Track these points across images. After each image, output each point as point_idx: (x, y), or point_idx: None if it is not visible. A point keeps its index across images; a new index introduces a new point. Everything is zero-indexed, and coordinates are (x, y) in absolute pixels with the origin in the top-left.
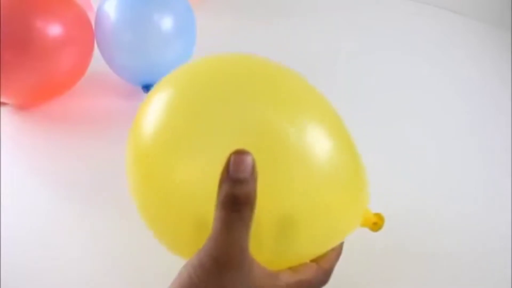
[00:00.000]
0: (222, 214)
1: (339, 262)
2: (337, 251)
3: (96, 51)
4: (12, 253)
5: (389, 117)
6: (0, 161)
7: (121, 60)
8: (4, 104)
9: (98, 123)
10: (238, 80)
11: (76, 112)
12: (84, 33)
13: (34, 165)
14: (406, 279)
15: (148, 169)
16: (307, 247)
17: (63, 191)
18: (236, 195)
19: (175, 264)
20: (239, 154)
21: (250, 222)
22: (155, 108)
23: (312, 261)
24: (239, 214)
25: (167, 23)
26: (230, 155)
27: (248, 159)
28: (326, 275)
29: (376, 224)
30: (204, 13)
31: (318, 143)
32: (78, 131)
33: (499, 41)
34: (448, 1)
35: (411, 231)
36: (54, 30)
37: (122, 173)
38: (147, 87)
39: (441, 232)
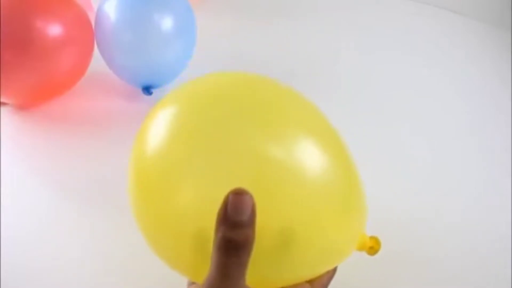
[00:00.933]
0: (219, 259)
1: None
2: (330, 272)
3: (96, 51)
4: (12, 253)
5: (389, 117)
6: (0, 161)
7: (121, 60)
8: (4, 104)
9: (98, 124)
10: (240, 104)
11: (76, 112)
12: (84, 33)
13: (34, 165)
14: (406, 280)
15: (149, 190)
16: (301, 270)
17: (63, 191)
18: (235, 240)
19: None
20: (238, 194)
21: (248, 263)
22: (158, 128)
23: (305, 282)
24: (238, 259)
25: (167, 23)
26: (228, 194)
27: (248, 200)
28: None
29: (372, 248)
30: (204, 13)
31: (315, 168)
32: (78, 131)
33: (499, 41)
34: (448, 1)
35: (411, 231)
36: (54, 30)
37: (121, 173)
38: (147, 89)
39: (441, 232)
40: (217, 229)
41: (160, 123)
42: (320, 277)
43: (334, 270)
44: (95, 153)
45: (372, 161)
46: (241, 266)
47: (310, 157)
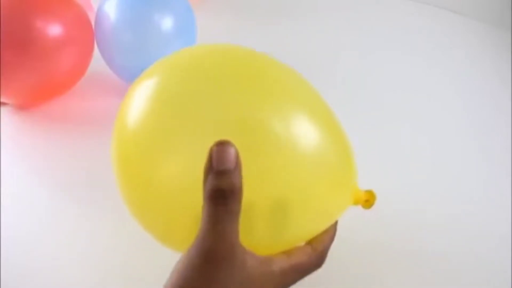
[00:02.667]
0: (209, 209)
1: (337, 262)
2: (331, 232)
3: (96, 51)
4: (12, 253)
5: (389, 117)
6: (0, 161)
7: (121, 60)
8: (4, 104)
9: (98, 124)
10: (222, 71)
11: (76, 112)
12: (84, 33)
13: (34, 165)
14: (406, 278)
15: (132, 163)
16: (299, 230)
17: (63, 191)
18: (221, 188)
19: (175, 262)
20: (221, 145)
21: (238, 213)
22: (138, 101)
23: (306, 243)
24: (226, 207)
25: (167, 23)
26: (212, 147)
27: (231, 150)
28: (320, 257)
29: (368, 201)
30: (204, 13)
31: (303, 128)
32: (78, 131)
33: (499, 41)
34: (448, 1)
35: (411, 230)
36: (54, 30)
37: None
38: None
39: (441, 231)
40: (204, 181)
41: (142, 95)
42: (320, 237)
43: (334, 230)
44: (95, 153)
45: (372, 161)
46: (231, 214)
47: (299, 120)
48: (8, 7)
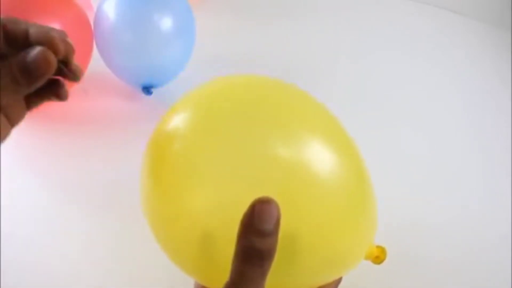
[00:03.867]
0: (243, 266)
1: None
2: (336, 280)
3: (95, 52)
4: (12, 253)
5: (389, 117)
6: (0, 161)
7: (120, 61)
8: None
9: (98, 124)
10: (251, 109)
11: (76, 112)
12: (83, 33)
13: (34, 165)
14: (405, 278)
15: (164, 190)
16: (309, 278)
17: (63, 191)
18: (259, 249)
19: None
20: (265, 204)
21: (268, 272)
22: (175, 130)
23: None
24: (260, 269)
25: (166, 23)
26: (254, 203)
27: (274, 210)
28: None
29: (378, 257)
30: (204, 13)
31: (330, 177)
32: (77, 132)
33: (499, 41)
34: (448, 1)
35: (410, 230)
36: None
37: (120, 173)
38: (146, 88)
39: (441, 231)
40: (241, 237)
41: (177, 125)
42: (326, 284)
43: (339, 278)
44: (95, 152)
45: (371, 161)
46: (263, 275)
47: (326, 164)
48: (8, 7)
